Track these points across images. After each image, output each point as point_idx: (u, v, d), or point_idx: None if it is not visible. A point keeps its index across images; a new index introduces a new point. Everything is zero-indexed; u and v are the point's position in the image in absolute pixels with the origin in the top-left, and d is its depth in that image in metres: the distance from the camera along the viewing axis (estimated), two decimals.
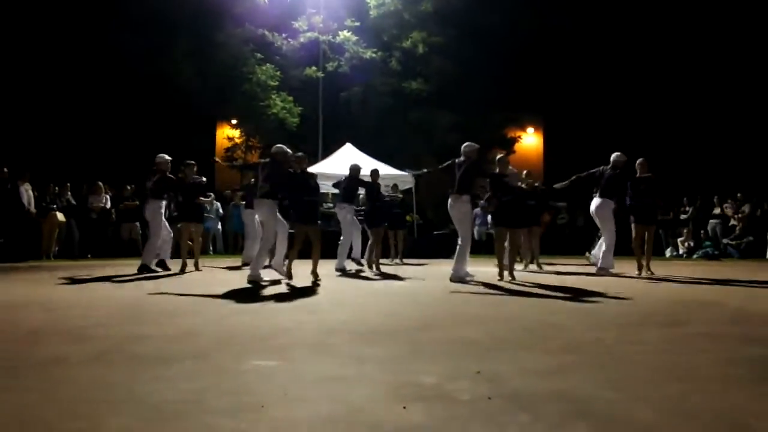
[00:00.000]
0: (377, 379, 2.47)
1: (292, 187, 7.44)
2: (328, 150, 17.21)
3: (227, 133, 21.09)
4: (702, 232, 15.78)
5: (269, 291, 6.19)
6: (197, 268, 9.07)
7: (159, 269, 8.84)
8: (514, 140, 22.43)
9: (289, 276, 7.33)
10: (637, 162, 8.80)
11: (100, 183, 13.94)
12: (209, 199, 10.61)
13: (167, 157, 8.86)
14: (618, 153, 8.70)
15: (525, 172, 10.37)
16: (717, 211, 16.23)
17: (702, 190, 17.06)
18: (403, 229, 12.53)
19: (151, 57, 17.23)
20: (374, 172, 10.18)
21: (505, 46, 18.97)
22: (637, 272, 8.51)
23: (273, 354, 2.97)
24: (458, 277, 7.15)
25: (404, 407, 2.06)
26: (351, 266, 9.89)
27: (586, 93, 21.47)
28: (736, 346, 3.24)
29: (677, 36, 20.85)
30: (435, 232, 15.03)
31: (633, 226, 8.76)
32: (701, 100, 20.83)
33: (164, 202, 9.02)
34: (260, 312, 4.67)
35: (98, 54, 16.78)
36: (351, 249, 10.21)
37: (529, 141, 24.23)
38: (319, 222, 7.78)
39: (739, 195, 16.16)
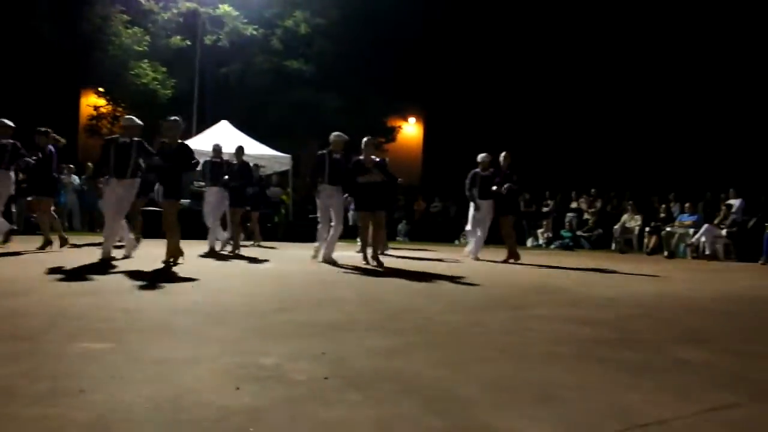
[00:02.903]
0: (216, 361, 2.40)
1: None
2: (206, 127, 16.50)
3: (92, 101, 19.52)
4: (566, 223, 16.95)
5: (120, 270, 5.80)
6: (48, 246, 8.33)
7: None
8: (395, 129, 22.83)
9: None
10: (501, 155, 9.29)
11: None
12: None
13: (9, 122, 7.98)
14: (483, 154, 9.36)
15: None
16: (574, 205, 17.63)
17: (562, 186, 18.41)
18: (257, 211, 12.34)
19: (9, 9, 15.50)
20: (237, 150, 9.95)
21: (389, 34, 19.15)
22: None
23: (110, 336, 2.79)
24: (330, 259, 7.70)
25: (237, 388, 2.02)
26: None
27: (466, 87, 22.29)
28: (569, 327, 3.52)
29: (547, 36, 22.05)
30: (311, 216, 14.93)
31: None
32: (564, 100, 22.28)
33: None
34: (104, 292, 4.36)
35: None
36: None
37: (410, 131, 24.80)
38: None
39: (593, 191, 17.62)
